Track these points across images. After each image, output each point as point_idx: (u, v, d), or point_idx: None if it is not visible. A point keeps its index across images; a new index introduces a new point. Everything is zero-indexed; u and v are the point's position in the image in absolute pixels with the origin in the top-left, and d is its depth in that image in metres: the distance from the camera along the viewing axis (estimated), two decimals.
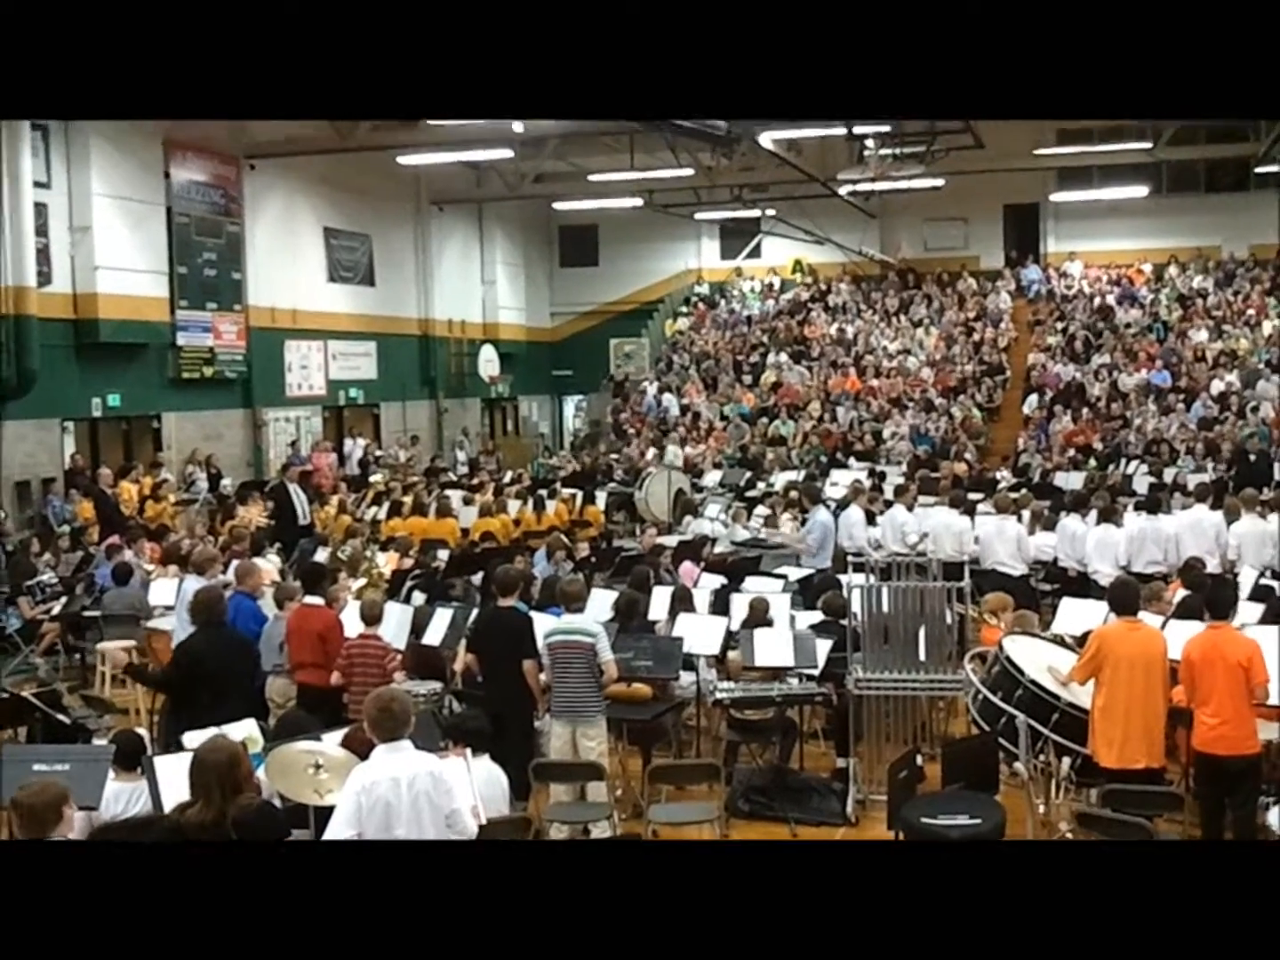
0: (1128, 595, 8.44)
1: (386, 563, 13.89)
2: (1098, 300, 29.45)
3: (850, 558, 11.58)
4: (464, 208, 31.13)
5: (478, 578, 13.57)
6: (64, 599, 14.31)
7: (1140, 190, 27.85)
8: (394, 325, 28.96)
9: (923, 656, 9.62)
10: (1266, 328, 26.76)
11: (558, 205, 31.06)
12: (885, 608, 9.76)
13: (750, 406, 27.57)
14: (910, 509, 15.64)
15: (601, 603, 10.86)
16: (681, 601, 11.31)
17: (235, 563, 12.21)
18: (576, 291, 35.03)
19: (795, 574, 13.61)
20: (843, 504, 16.50)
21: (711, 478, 22.37)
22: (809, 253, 32.15)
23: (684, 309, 33.53)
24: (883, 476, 20.58)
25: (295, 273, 25.56)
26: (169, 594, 12.21)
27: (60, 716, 9.63)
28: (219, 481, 21.71)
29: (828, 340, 29.90)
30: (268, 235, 24.74)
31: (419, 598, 12.19)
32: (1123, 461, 21.97)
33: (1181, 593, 10.66)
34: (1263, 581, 12.14)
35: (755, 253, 33.95)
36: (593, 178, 26.22)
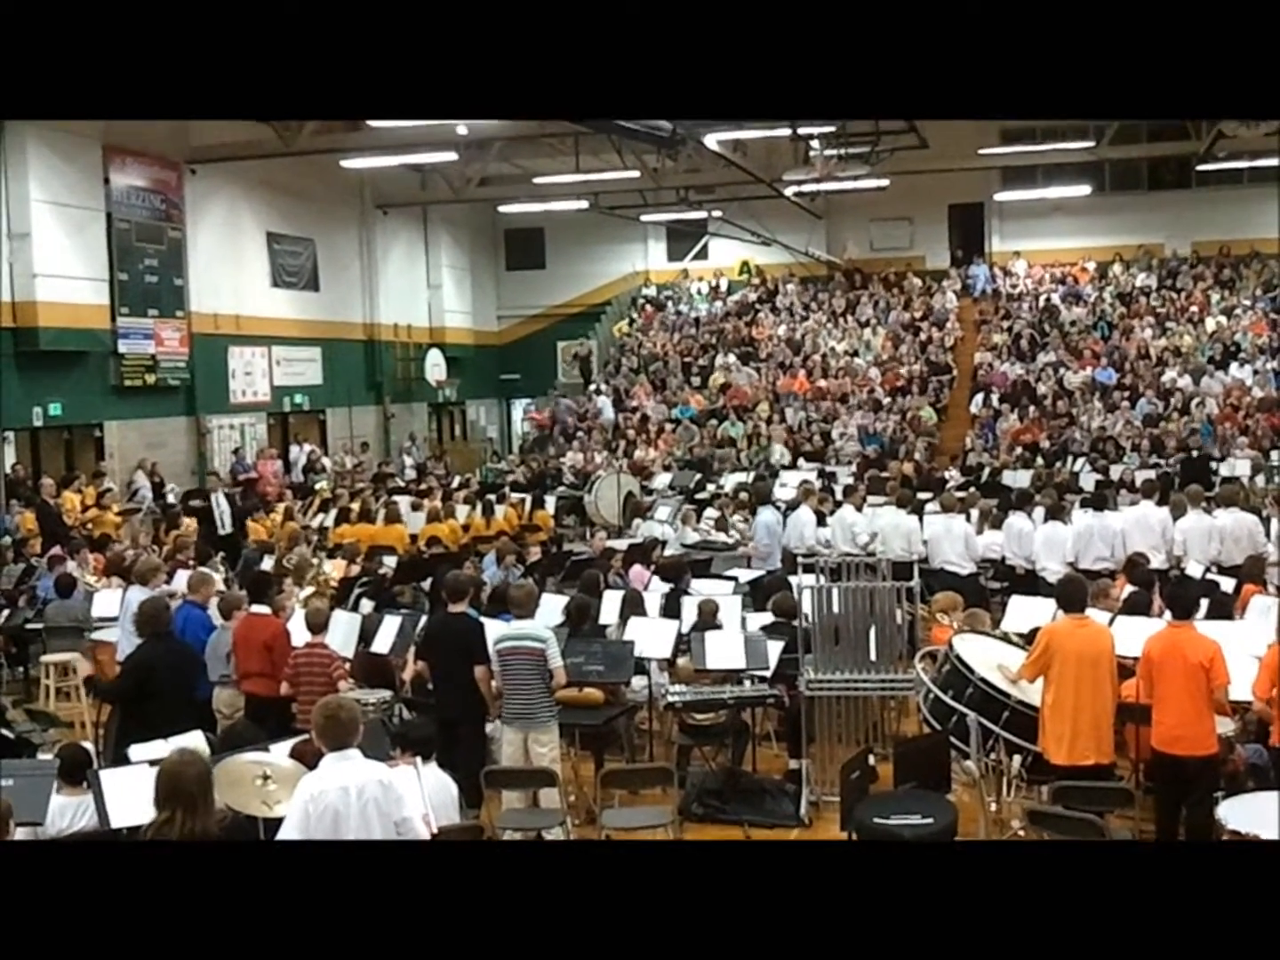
0: (1075, 592, 8.48)
1: (334, 570, 13.77)
2: (1043, 299, 29.64)
3: (800, 559, 11.58)
4: (409, 211, 30.96)
5: (426, 584, 13.48)
6: (6, 611, 14.09)
7: (1083, 189, 28.09)
8: (339, 330, 28.76)
9: (874, 656, 9.63)
10: (1210, 324, 27.02)
11: (503, 208, 30.98)
12: (836, 608, 9.76)
13: (698, 409, 27.55)
14: (859, 509, 15.67)
15: (552, 607, 10.83)
16: (632, 605, 11.28)
17: (183, 573, 12.10)
18: (523, 294, 34.93)
19: (746, 576, 13.61)
20: (793, 505, 16.54)
21: (661, 480, 22.34)
22: (756, 254, 32.18)
23: (631, 312, 33.49)
24: (832, 477, 20.63)
25: (238, 278, 25.33)
26: (112, 605, 12.06)
27: (3, 731, 9.50)
28: (163, 490, 21.46)
29: (775, 341, 29.94)
30: (210, 241, 24.50)
31: (367, 605, 12.09)
32: (1069, 459, 22.11)
33: (1129, 589, 10.72)
34: (1209, 577, 12.26)
35: (702, 254, 33.95)
36: (538, 180, 26.16)
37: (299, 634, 9.76)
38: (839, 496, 17.28)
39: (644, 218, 30.43)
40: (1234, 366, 25.24)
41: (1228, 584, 11.59)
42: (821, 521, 15.65)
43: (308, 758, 6.64)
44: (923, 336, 29.10)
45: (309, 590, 12.41)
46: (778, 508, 16.37)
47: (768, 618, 10.98)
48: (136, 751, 7.51)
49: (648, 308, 33.20)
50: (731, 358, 29.51)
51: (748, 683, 10.03)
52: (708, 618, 10.60)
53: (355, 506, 18.35)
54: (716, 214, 29.79)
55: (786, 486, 19.39)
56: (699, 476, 22.37)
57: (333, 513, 18.82)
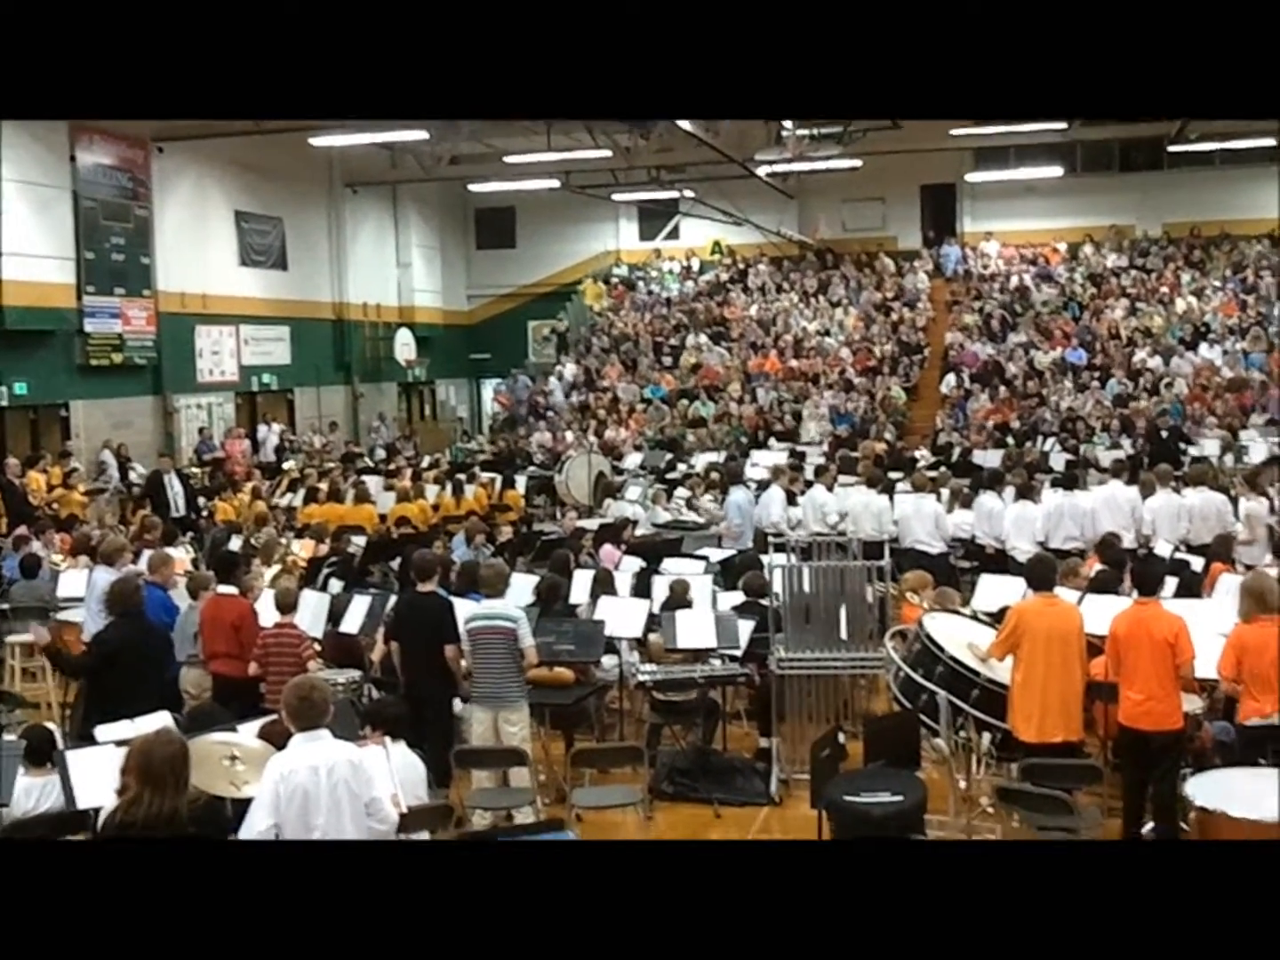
0: (1044, 571, 8.51)
1: (302, 550, 13.70)
2: (1014, 279, 29.69)
3: (771, 538, 11.60)
4: (378, 190, 30.80)
5: (396, 563, 13.42)
6: None
7: (1055, 170, 28.12)
8: (307, 309, 28.61)
9: (844, 635, 9.65)
10: (1180, 305, 27.13)
11: (474, 187, 30.80)
12: (806, 587, 9.77)
13: (669, 389, 27.52)
14: (830, 489, 15.67)
15: (522, 587, 10.79)
16: (603, 585, 11.28)
17: (147, 553, 12.01)
18: (494, 274, 34.78)
19: (717, 555, 13.61)
20: (764, 484, 16.54)
21: (632, 460, 22.31)
22: (728, 234, 32.16)
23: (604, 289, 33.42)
24: (803, 456, 20.63)
25: (206, 257, 25.18)
26: (78, 586, 11.96)
27: None
28: (129, 470, 21.33)
29: (747, 321, 29.91)
30: (177, 219, 24.32)
31: (336, 585, 12.04)
32: (1039, 439, 22.17)
33: (1098, 567, 10.76)
34: (1177, 555, 12.32)
35: (674, 234, 33.90)
36: (509, 159, 26.03)
37: (267, 614, 9.71)
38: (809, 476, 17.27)
39: (615, 197, 30.35)
40: (1204, 347, 25.35)
41: (1196, 563, 11.65)
42: (792, 501, 15.65)
43: (276, 738, 6.60)
44: (894, 317, 29.12)
45: (276, 570, 12.34)
46: (749, 487, 16.37)
47: (739, 597, 10.98)
48: (102, 732, 7.46)
49: (619, 287, 33.12)
50: (703, 338, 29.49)
51: (718, 661, 10.02)
52: (679, 596, 10.59)
53: (324, 486, 18.26)
54: (688, 194, 29.70)
55: (758, 466, 19.39)
56: (670, 456, 22.36)
57: (301, 492, 18.75)
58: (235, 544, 13.66)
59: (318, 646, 9.95)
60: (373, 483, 18.74)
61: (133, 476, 21.03)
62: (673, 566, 12.49)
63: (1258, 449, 19.10)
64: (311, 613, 10.31)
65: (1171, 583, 10.36)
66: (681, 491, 17.89)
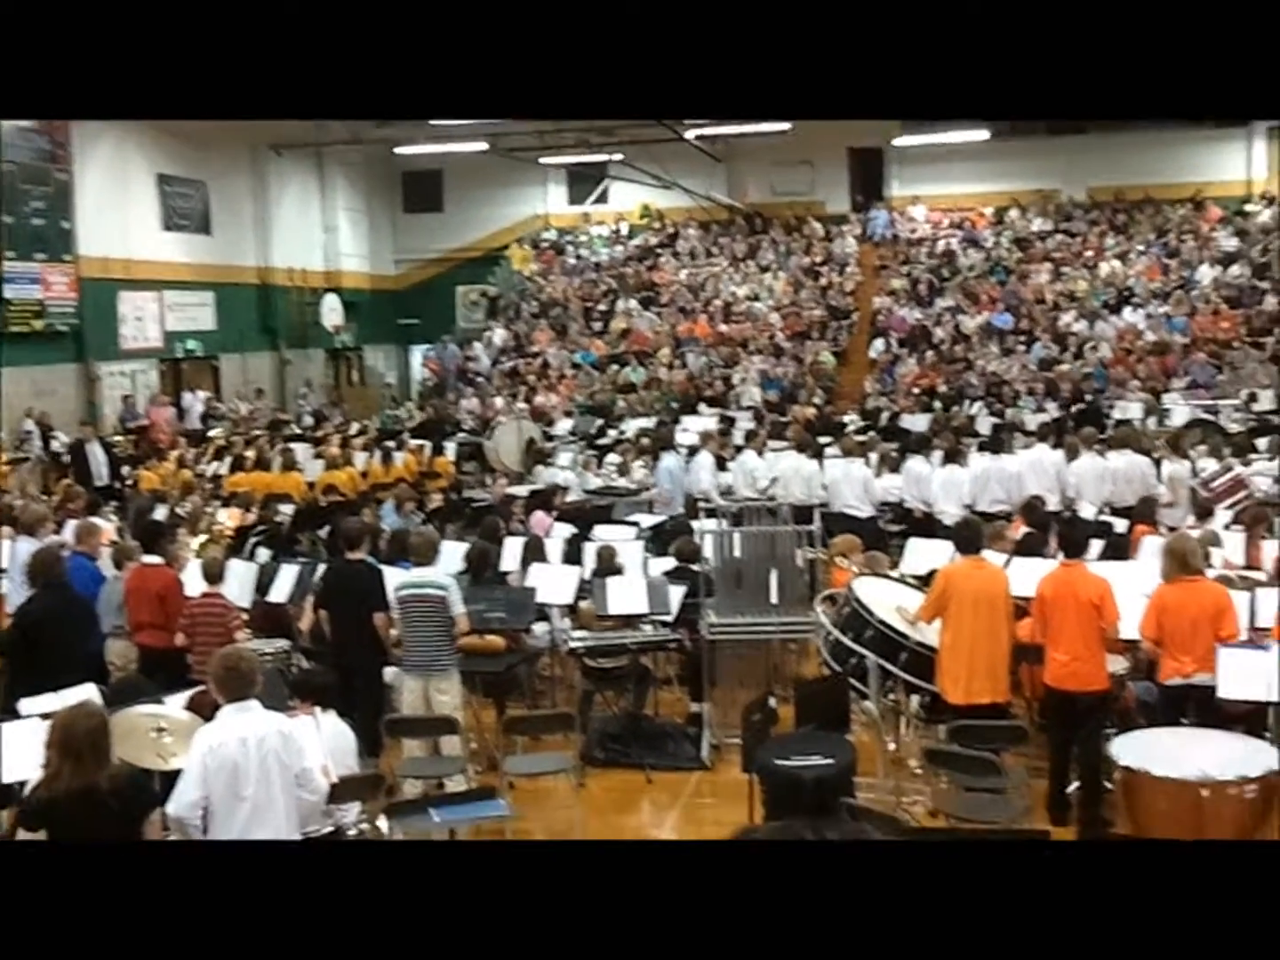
0: (971, 534, 8.60)
1: (229, 519, 13.56)
2: (941, 244, 29.83)
3: (701, 504, 11.64)
4: (303, 153, 30.35)
5: (325, 532, 13.32)
6: None
7: (981, 134, 28.21)
8: (232, 274, 28.20)
9: (774, 600, 9.69)
10: (1104, 269, 27.38)
11: (400, 150, 30.45)
12: (737, 552, 9.81)
13: (599, 354, 27.45)
14: (760, 453, 15.72)
15: (452, 554, 10.75)
16: (533, 551, 11.26)
17: (71, 522, 11.84)
18: (421, 238, 34.45)
19: (648, 521, 13.63)
20: (694, 450, 16.57)
21: (562, 426, 22.26)
22: (656, 197, 32.04)
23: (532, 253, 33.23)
24: (732, 422, 20.68)
25: (127, 221, 24.72)
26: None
27: None
28: (51, 439, 20.99)
29: (676, 286, 29.87)
30: (98, 183, 23.86)
31: (263, 554, 11.93)
32: (966, 403, 22.33)
33: (1024, 530, 10.88)
34: (1102, 518, 12.48)
35: (603, 198, 33.71)
36: (436, 122, 25.75)
37: (194, 584, 9.61)
38: (739, 441, 17.32)
39: (544, 160, 30.13)
40: (1127, 311, 25.60)
41: (1120, 525, 11.81)
42: (722, 466, 15.68)
43: (204, 709, 6.56)
44: (823, 281, 29.19)
45: (202, 539, 12.22)
46: (679, 453, 16.39)
47: (670, 563, 11.00)
48: (26, 705, 7.36)
49: (548, 252, 32.94)
50: (632, 303, 29.41)
51: (649, 627, 10.05)
52: (607, 563, 10.60)
53: (250, 454, 18.08)
54: (617, 157, 29.57)
55: (688, 432, 19.41)
56: (600, 422, 22.33)
57: (227, 460, 18.55)
58: (160, 513, 13.48)
59: (246, 616, 9.87)
60: (300, 450, 18.56)
61: (55, 445, 20.68)
62: (604, 533, 12.48)
63: (1180, 412, 19.37)
64: (239, 582, 10.23)
65: (1097, 545, 10.50)
66: (612, 457, 17.89)
